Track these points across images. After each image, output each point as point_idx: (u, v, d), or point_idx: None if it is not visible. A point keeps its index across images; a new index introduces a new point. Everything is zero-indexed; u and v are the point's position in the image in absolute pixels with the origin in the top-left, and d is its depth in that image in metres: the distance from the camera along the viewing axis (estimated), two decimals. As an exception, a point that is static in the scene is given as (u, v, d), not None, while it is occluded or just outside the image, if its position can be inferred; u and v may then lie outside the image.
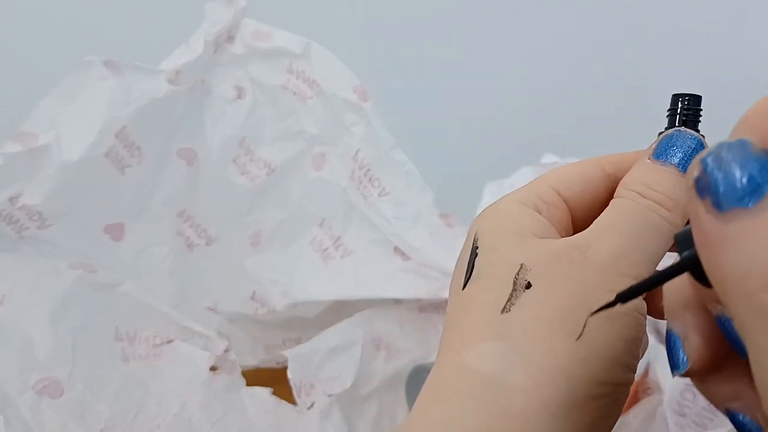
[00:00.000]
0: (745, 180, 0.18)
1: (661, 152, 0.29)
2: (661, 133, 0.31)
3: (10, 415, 0.45)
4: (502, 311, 0.26)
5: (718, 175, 0.18)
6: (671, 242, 0.29)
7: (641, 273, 0.27)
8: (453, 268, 0.54)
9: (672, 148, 0.29)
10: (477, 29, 0.94)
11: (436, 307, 0.57)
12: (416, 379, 0.53)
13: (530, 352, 0.25)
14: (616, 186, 0.31)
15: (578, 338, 0.25)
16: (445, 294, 0.54)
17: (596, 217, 0.31)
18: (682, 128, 0.30)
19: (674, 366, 0.23)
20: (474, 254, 0.29)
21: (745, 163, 0.18)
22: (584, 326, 0.26)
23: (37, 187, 0.50)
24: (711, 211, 0.18)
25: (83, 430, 0.46)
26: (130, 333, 0.52)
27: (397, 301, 0.57)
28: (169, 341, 0.53)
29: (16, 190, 0.49)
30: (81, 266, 0.51)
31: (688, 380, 0.47)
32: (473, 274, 0.28)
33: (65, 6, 0.92)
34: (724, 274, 0.18)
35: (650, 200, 0.28)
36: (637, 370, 0.28)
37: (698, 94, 0.31)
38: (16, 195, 0.49)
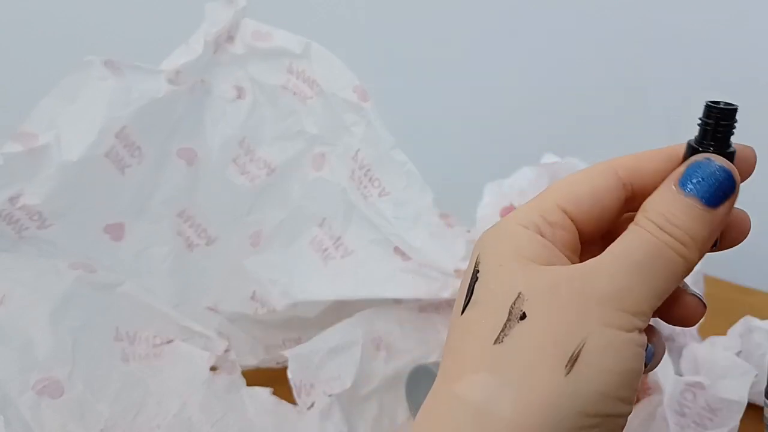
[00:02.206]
0: None
1: (687, 181, 0.28)
2: (690, 147, 0.29)
3: (10, 415, 0.45)
4: (495, 341, 0.26)
5: None
6: (681, 279, 0.28)
7: (644, 310, 0.27)
8: (453, 268, 0.54)
9: (700, 181, 0.28)
10: (477, 29, 0.94)
11: (436, 307, 0.57)
12: (416, 379, 0.53)
13: (519, 385, 0.26)
14: (630, 195, 0.30)
15: (567, 374, 0.25)
16: (445, 294, 0.54)
17: (607, 228, 0.30)
18: (713, 157, 0.28)
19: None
20: (474, 278, 0.28)
21: None
22: (574, 362, 0.26)
23: (37, 187, 0.50)
24: None
25: (83, 430, 0.46)
26: (130, 333, 0.52)
27: (397, 301, 0.57)
28: (169, 341, 0.53)
29: (16, 190, 0.49)
30: (81, 266, 0.51)
31: (688, 380, 0.47)
32: (471, 299, 0.28)
33: (65, 6, 0.92)
34: None
35: (668, 235, 0.27)
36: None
37: (734, 105, 0.29)
38: (16, 195, 0.49)
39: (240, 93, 0.59)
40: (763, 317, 0.54)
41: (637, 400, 0.49)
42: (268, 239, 0.60)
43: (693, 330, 0.57)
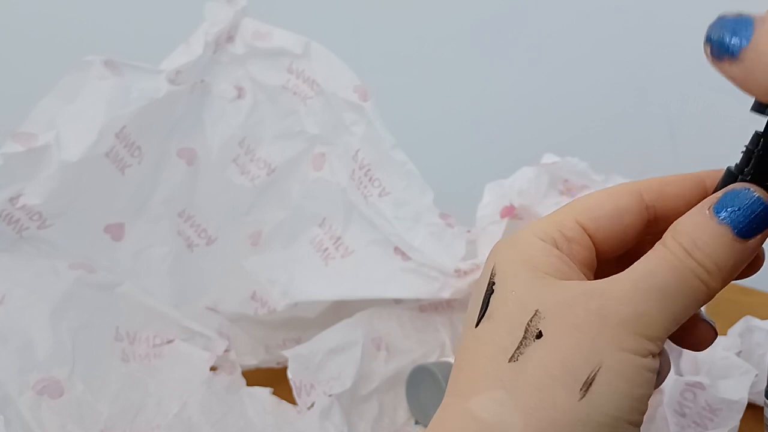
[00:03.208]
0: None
1: (722, 208, 0.27)
2: (729, 172, 0.29)
3: (10, 415, 0.45)
4: (510, 359, 0.26)
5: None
6: (701, 307, 0.28)
7: (660, 335, 0.26)
8: (453, 268, 0.54)
9: (735, 210, 0.27)
10: (477, 29, 0.94)
11: (436, 307, 0.57)
12: (417, 379, 0.53)
13: (532, 405, 0.26)
14: (653, 217, 0.30)
15: (581, 398, 0.25)
16: (445, 294, 0.54)
17: (626, 248, 0.30)
18: (752, 187, 0.27)
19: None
20: (490, 290, 0.28)
21: None
22: (589, 386, 0.25)
23: (37, 187, 0.50)
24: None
25: (83, 430, 0.46)
26: (130, 333, 0.52)
27: (397, 301, 0.57)
28: (169, 341, 0.53)
29: (16, 190, 0.49)
30: (81, 266, 0.51)
31: (688, 380, 0.47)
32: (487, 313, 0.28)
33: (65, 6, 0.92)
34: None
35: (694, 260, 0.27)
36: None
37: None
38: (16, 195, 0.49)
39: (240, 93, 0.59)
40: (763, 317, 0.54)
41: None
42: (267, 239, 0.60)
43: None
